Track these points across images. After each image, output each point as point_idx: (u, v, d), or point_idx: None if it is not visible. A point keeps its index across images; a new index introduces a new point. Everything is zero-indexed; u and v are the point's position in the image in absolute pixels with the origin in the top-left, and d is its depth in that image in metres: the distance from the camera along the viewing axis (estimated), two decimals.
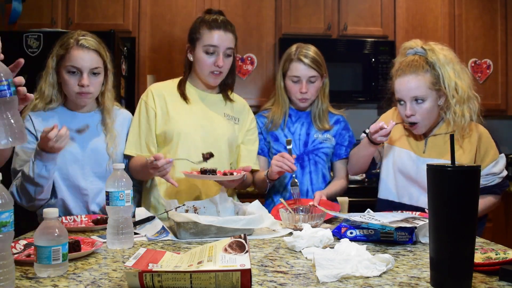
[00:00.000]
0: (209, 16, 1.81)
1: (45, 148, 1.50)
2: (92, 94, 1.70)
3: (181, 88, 1.85)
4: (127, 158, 1.82)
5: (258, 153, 1.98)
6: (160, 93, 1.84)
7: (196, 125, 1.80)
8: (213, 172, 1.60)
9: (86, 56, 1.66)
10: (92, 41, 1.69)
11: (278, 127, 2.01)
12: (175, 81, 1.90)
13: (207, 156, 1.64)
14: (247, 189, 2.84)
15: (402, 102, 1.71)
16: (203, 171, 1.60)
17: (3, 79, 0.94)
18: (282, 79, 2.00)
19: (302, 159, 1.99)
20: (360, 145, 1.86)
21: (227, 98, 1.91)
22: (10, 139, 0.95)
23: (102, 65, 1.71)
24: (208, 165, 1.64)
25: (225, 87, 1.92)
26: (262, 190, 2.00)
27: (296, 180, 1.81)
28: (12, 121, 0.95)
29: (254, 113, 2.04)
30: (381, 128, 1.66)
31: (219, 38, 1.76)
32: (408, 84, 1.66)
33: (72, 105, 1.77)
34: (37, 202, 1.65)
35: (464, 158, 1.69)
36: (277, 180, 1.90)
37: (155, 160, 1.52)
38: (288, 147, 1.82)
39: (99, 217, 1.57)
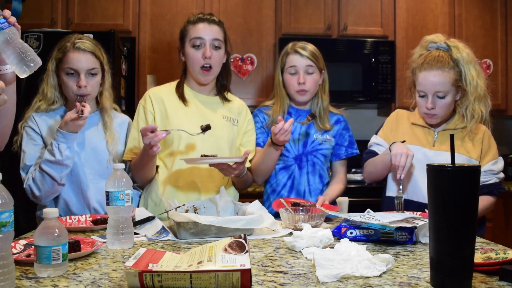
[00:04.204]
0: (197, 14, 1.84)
1: (68, 127, 1.62)
2: (90, 95, 1.75)
3: (179, 90, 1.86)
4: (127, 163, 1.83)
5: (260, 146, 1.97)
6: (158, 97, 1.84)
7: (196, 127, 1.80)
8: (213, 156, 1.64)
9: (82, 57, 1.71)
10: (88, 43, 1.74)
11: None
12: (173, 84, 1.90)
13: (204, 128, 1.68)
14: (247, 189, 2.85)
15: (422, 94, 1.75)
16: (204, 156, 1.63)
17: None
18: (281, 75, 2.00)
19: (300, 160, 1.98)
20: (377, 159, 1.85)
21: (224, 99, 1.92)
22: (32, 64, 1.13)
23: (98, 66, 1.75)
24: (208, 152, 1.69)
25: (221, 89, 1.92)
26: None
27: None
28: (25, 47, 1.15)
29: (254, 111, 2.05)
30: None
31: (203, 29, 1.78)
32: (433, 79, 1.70)
33: (72, 106, 1.78)
34: (59, 188, 1.69)
35: (474, 151, 1.77)
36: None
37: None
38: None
39: (99, 217, 1.58)
